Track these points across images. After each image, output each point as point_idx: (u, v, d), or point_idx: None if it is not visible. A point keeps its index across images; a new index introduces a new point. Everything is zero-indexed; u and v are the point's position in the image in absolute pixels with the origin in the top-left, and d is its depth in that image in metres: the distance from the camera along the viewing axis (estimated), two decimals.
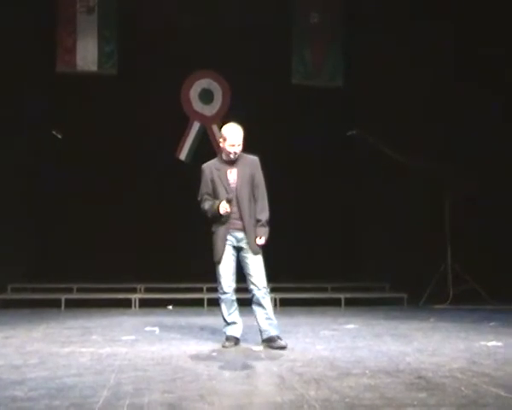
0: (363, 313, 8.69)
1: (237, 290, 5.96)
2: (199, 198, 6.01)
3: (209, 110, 11.46)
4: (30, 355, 5.43)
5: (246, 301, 6.08)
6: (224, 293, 5.89)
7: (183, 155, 11.27)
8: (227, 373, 4.82)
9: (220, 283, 5.89)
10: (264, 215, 5.89)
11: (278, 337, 5.82)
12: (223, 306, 5.94)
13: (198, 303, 9.52)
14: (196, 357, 5.43)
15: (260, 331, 5.88)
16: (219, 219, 5.83)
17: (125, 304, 9.43)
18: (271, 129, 10.54)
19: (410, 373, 4.70)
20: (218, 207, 5.75)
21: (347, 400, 3.92)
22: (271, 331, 5.82)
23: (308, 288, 10.32)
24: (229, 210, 5.76)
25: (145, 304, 9.51)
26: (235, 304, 5.97)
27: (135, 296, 9.64)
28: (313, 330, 6.99)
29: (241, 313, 6.03)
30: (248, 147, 5.99)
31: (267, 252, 5.92)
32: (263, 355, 5.52)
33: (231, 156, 5.89)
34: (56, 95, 10.64)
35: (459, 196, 10.04)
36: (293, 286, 10.23)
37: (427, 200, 10.38)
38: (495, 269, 9.80)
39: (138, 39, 10.67)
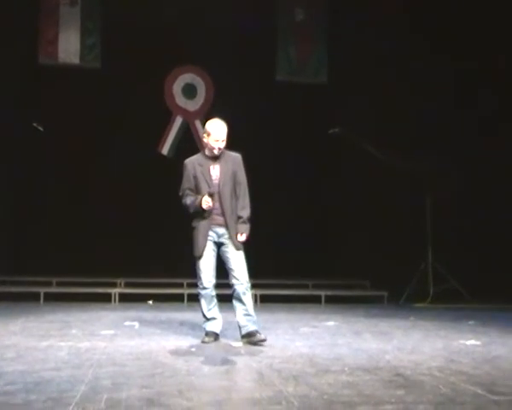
0: (343, 311, 8.72)
1: (217, 286, 5.96)
2: (180, 193, 5.99)
3: (192, 105, 11.40)
4: (7, 349, 5.38)
5: (226, 297, 6.08)
6: (204, 288, 5.88)
7: (165, 150, 11.21)
8: (206, 369, 4.81)
9: (200, 278, 5.88)
10: (246, 212, 5.89)
11: (257, 332, 5.81)
12: (202, 301, 5.93)
13: (178, 298, 9.50)
14: (175, 352, 5.41)
15: (239, 327, 5.87)
16: (201, 214, 5.82)
17: (105, 298, 9.37)
18: (255, 125, 10.52)
19: (389, 371, 4.72)
20: (201, 201, 5.73)
21: (326, 396, 3.93)
22: (250, 327, 5.82)
23: (289, 284, 10.35)
24: (211, 204, 5.74)
25: (125, 299, 9.46)
26: (215, 300, 5.96)
27: (115, 291, 9.59)
28: (293, 327, 7.00)
29: (221, 309, 6.03)
30: (231, 143, 5.97)
31: (248, 248, 5.91)
32: (242, 351, 5.52)
33: (215, 152, 5.87)
34: (37, 87, 10.54)
35: (440, 195, 10.10)
36: (274, 283, 10.23)
37: (409, 198, 10.44)
38: (475, 268, 9.86)
39: (122, 32, 10.57)
